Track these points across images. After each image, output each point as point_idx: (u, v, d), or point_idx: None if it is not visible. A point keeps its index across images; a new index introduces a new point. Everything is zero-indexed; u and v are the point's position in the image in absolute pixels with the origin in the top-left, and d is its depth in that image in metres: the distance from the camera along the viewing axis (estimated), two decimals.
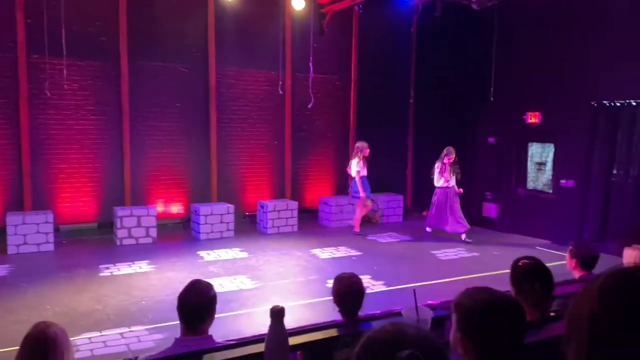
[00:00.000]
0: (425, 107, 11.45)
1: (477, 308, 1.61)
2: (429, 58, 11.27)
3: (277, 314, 1.74)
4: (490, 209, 10.52)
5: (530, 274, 2.51)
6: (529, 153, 9.74)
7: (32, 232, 7.82)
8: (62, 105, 8.62)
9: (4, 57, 8.22)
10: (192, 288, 2.58)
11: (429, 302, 4.80)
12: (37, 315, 5.30)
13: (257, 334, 2.72)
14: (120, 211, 8.52)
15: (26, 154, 8.40)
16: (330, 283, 4.51)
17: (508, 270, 2.63)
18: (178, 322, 2.58)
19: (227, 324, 5.09)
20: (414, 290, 2.01)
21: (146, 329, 5.09)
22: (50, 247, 7.94)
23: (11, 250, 7.72)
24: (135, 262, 7.41)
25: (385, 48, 11.30)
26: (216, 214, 9.08)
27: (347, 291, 2.81)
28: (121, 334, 5.00)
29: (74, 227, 8.81)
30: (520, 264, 2.57)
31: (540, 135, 9.49)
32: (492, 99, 10.16)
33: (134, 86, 9.08)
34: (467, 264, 7.67)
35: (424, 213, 10.89)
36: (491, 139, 10.49)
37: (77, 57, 8.57)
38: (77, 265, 7.20)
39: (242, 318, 5.45)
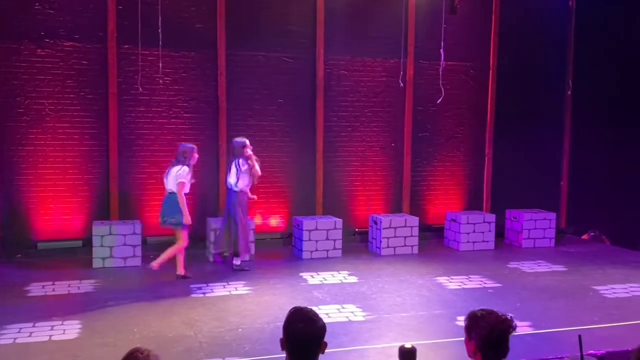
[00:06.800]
0: (587, 100, 10.92)
1: None
2: (592, 39, 10.74)
3: (408, 355, 1.75)
4: None
5: None
6: None
7: (118, 244, 8.46)
8: (153, 101, 9.27)
9: (92, 49, 8.99)
10: (300, 315, 2.69)
11: (592, 352, 4.57)
12: (124, 338, 5.76)
13: None
14: (213, 223, 8.97)
15: (114, 156, 9.11)
16: (460, 320, 4.44)
17: None
18: (279, 355, 2.67)
19: None
20: (580, 336, 1.94)
21: None
22: (138, 261, 8.54)
23: (97, 263, 8.41)
24: (230, 283, 7.77)
25: (533, 27, 11.00)
26: (321, 229, 9.28)
27: (494, 331, 2.76)
28: None
29: (163, 239, 9.35)
30: None
31: None
32: None
33: (232, 79, 9.55)
34: None
35: (584, 237, 10.42)
36: None
37: (171, 47, 9.17)
38: (166, 284, 7.68)
39: (353, 356, 5.53)
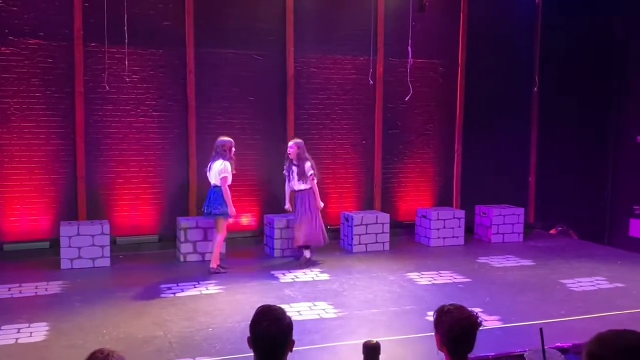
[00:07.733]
0: (554, 96, 11.11)
1: (611, 358, 1.55)
2: (558, 35, 10.94)
3: (372, 350, 1.77)
4: (638, 227, 9.99)
5: None
6: None
7: (86, 244, 8.36)
8: (121, 100, 9.17)
9: (58, 47, 8.86)
10: (266, 313, 2.70)
11: (559, 344, 4.66)
12: (92, 339, 5.68)
13: None
14: (183, 222, 8.92)
15: (81, 156, 8.99)
16: (430, 316, 4.49)
17: None
18: (250, 354, 2.68)
19: (308, 359, 5.20)
20: (541, 329, 1.98)
21: None
22: (107, 262, 8.45)
23: (65, 264, 8.30)
24: (200, 282, 7.73)
25: (501, 24, 11.13)
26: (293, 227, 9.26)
27: (457, 327, 2.79)
28: None
29: (132, 239, 9.31)
30: None
31: None
32: None
33: (201, 77, 9.48)
34: (609, 296, 7.37)
35: (552, 231, 10.56)
36: None
37: (138, 45, 9.08)
38: (136, 284, 7.62)
39: (324, 353, 5.55)
